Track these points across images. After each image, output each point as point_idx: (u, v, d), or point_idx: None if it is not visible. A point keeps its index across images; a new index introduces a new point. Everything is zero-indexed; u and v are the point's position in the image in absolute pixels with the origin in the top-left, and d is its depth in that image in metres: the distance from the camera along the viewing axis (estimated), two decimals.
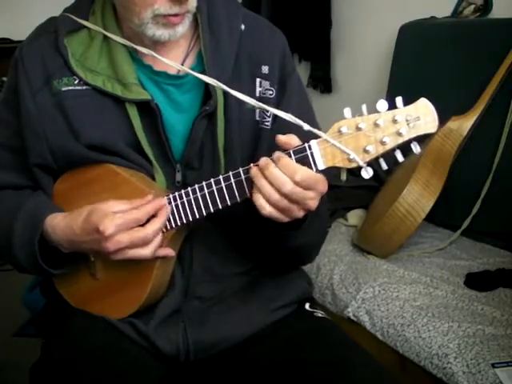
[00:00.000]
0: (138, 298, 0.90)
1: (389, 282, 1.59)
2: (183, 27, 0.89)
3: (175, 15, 0.86)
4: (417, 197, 1.62)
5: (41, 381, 0.85)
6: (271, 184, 0.77)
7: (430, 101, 0.77)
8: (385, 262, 1.71)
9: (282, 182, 0.76)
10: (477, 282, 1.59)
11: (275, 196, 0.77)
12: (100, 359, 0.84)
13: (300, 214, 0.80)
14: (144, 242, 0.84)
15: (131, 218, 0.83)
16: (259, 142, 0.94)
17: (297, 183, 0.76)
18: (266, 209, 0.78)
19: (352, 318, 1.58)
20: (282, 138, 0.79)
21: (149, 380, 0.85)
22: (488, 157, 1.80)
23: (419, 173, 1.63)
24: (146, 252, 0.85)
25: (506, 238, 1.81)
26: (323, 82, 2.80)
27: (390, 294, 1.54)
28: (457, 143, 1.75)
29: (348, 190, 2.02)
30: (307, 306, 1.03)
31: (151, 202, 0.85)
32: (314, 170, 0.78)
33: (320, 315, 1.01)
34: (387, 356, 1.45)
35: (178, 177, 0.94)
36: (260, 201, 0.78)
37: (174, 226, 0.87)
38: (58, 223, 0.89)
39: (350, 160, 0.77)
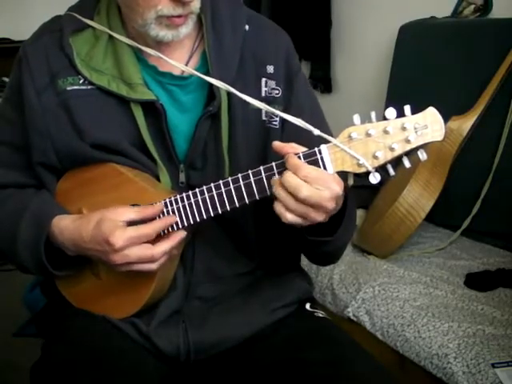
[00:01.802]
0: (140, 298, 0.90)
1: (389, 282, 1.59)
2: (186, 28, 0.89)
3: (178, 16, 0.86)
4: (417, 197, 1.62)
5: (41, 381, 0.85)
6: (287, 191, 0.77)
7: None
8: (385, 262, 1.71)
9: (298, 187, 0.76)
10: (477, 281, 1.59)
11: (292, 203, 0.77)
12: (100, 359, 0.84)
13: (321, 217, 0.79)
14: (151, 260, 0.85)
15: (142, 234, 0.84)
16: (268, 141, 0.93)
17: (304, 177, 0.76)
18: (286, 216, 0.78)
19: (352, 318, 1.58)
20: (277, 145, 0.80)
21: (149, 380, 0.85)
22: (488, 157, 1.80)
23: (419, 173, 1.63)
24: (151, 267, 0.86)
25: (506, 238, 1.81)
26: (323, 82, 2.80)
27: (390, 294, 1.54)
28: (457, 143, 1.75)
29: (348, 190, 2.01)
30: (308, 306, 1.03)
31: (162, 219, 0.86)
32: None
33: (320, 315, 1.01)
34: (387, 356, 1.45)
35: (182, 177, 0.94)
36: (279, 208, 0.78)
37: (180, 226, 0.87)
38: (67, 226, 0.89)
39: (359, 165, 0.77)
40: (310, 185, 0.76)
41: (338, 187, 0.78)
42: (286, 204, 0.77)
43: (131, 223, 0.85)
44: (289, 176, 0.76)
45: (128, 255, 0.83)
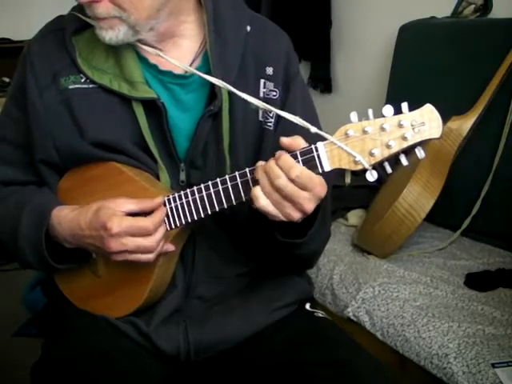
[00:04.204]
0: (139, 296, 0.90)
1: (389, 282, 1.59)
2: (114, 34, 0.87)
3: (99, 18, 0.86)
4: (417, 197, 1.62)
5: (41, 381, 0.85)
6: (267, 176, 0.78)
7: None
8: (385, 261, 1.71)
9: (276, 175, 0.77)
10: (477, 281, 1.59)
11: (268, 187, 0.78)
12: (100, 359, 0.84)
13: (296, 215, 0.79)
14: (148, 250, 0.85)
15: (141, 226, 0.84)
16: (262, 142, 0.94)
17: (292, 180, 0.77)
18: (260, 200, 0.78)
19: (352, 318, 1.58)
20: (285, 141, 0.79)
21: (149, 380, 0.85)
22: (488, 157, 1.80)
23: (419, 173, 1.63)
24: (147, 257, 0.86)
25: (506, 238, 1.81)
26: (323, 81, 2.80)
27: (390, 294, 1.54)
28: (457, 143, 1.75)
29: (348, 190, 2.02)
30: (308, 306, 1.03)
31: (159, 212, 0.85)
32: (321, 171, 0.79)
33: (320, 315, 1.02)
34: (387, 356, 1.45)
35: (182, 176, 0.94)
36: (256, 191, 0.79)
37: (178, 224, 0.87)
38: (66, 216, 0.89)
39: (356, 162, 0.77)
40: (297, 185, 0.77)
41: (322, 191, 0.79)
42: (262, 187, 0.78)
43: (130, 215, 0.85)
44: (271, 163, 0.78)
45: (125, 243, 0.83)
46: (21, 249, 0.93)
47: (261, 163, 0.80)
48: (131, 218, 0.84)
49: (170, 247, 0.88)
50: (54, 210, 0.91)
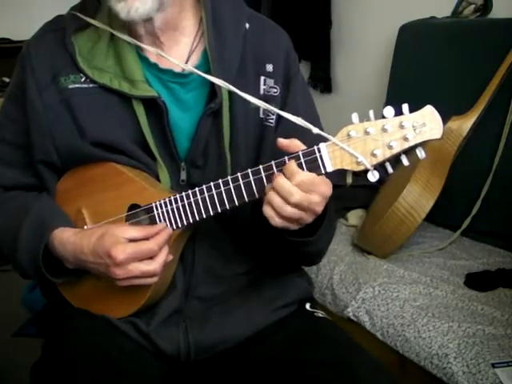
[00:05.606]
0: (139, 297, 0.90)
1: (389, 282, 1.59)
2: (142, 4, 0.85)
3: None
4: (417, 197, 1.62)
5: (41, 381, 0.85)
6: (279, 195, 0.77)
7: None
8: (385, 262, 1.71)
9: (289, 193, 0.77)
10: (477, 281, 1.59)
11: (284, 207, 0.77)
12: (100, 359, 0.84)
13: (310, 219, 0.80)
14: (153, 274, 0.85)
15: (145, 249, 0.84)
16: (263, 139, 0.94)
17: (297, 185, 0.77)
18: (275, 219, 0.79)
19: (352, 318, 1.58)
20: (283, 142, 0.80)
21: (149, 380, 0.85)
22: (488, 157, 1.80)
23: (419, 173, 1.64)
24: (152, 280, 0.86)
25: (506, 238, 1.81)
26: (323, 81, 2.80)
27: (390, 294, 1.54)
28: (457, 143, 1.75)
29: (348, 190, 2.01)
30: (308, 306, 1.03)
31: (163, 232, 0.86)
32: (323, 172, 0.79)
33: (320, 315, 1.02)
34: (387, 356, 1.45)
35: (183, 175, 0.94)
36: (268, 211, 0.79)
37: (180, 225, 0.87)
38: (68, 238, 0.89)
39: (358, 163, 0.78)
40: (302, 190, 0.77)
41: (327, 189, 0.79)
42: (276, 207, 0.78)
43: (133, 241, 0.85)
44: (282, 181, 0.77)
45: (131, 270, 0.84)
46: (19, 261, 0.93)
47: (269, 185, 0.79)
48: (134, 243, 0.85)
49: (169, 257, 0.88)
50: (55, 230, 0.90)
